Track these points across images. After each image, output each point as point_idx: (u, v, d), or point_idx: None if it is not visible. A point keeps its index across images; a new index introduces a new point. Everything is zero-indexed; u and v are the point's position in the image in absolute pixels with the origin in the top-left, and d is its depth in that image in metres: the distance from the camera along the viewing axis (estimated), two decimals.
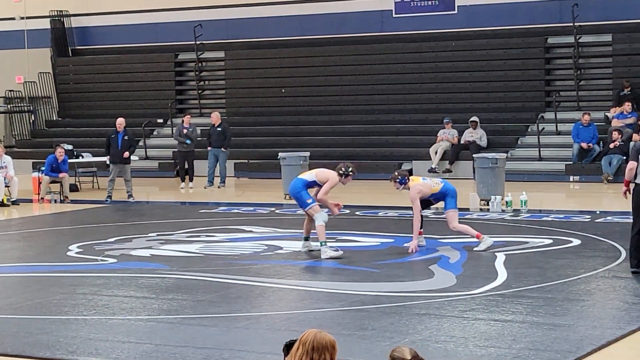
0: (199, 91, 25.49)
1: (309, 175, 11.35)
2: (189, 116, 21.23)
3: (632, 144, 18.88)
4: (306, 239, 11.55)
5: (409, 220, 11.91)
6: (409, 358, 4.12)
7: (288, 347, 4.28)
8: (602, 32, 21.69)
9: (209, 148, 20.37)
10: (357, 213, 15.28)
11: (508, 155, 19.22)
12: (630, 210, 9.84)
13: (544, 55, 22.31)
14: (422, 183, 11.53)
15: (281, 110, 24.23)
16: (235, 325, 8.18)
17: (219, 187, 20.15)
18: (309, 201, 11.13)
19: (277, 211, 15.84)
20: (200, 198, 18.81)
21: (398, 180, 11.38)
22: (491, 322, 8.07)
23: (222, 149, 20.21)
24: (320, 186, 11.25)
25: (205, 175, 20.66)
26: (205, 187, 20.13)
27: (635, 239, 9.67)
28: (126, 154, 17.96)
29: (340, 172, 11.27)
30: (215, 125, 20.36)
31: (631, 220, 9.85)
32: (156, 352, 7.37)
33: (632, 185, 9.72)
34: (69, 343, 7.69)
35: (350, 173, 11.33)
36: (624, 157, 19.17)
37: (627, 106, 20.09)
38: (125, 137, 18.13)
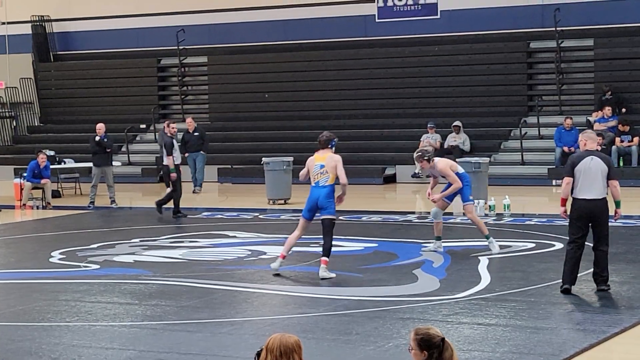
0: (182, 96, 25.43)
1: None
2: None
3: (614, 151, 19.10)
4: (438, 238, 11.61)
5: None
6: (441, 336, 4.34)
7: (259, 355, 4.29)
8: (584, 37, 21.81)
9: (186, 154, 20.32)
10: (340, 217, 15.27)
11: (491, 159, 19.28)
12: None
13: (526, 60, 22.42)
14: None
15: (264, 115, 24.22)
16: (219, 330, 8.16)
17: (194, 191, 19.95)
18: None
19: (260, 216, 15.82)
20: (184, 203, 18.72)
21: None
22: (475, 325, 8.10)
23: (202, 152, 20.27)
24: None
25: (188, 181, 20.59)
26: (194, 192, 20.07)
27: (573, 256, 9.12)
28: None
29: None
30: (191, 131, 20.39)
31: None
32: (140, 358, 7.34)
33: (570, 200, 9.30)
34: (51, 350, 7.65)
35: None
36: None
37: (607, 110, 20.22)
38: (105, 140, 18.19)
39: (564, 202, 9.35)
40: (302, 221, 10.45)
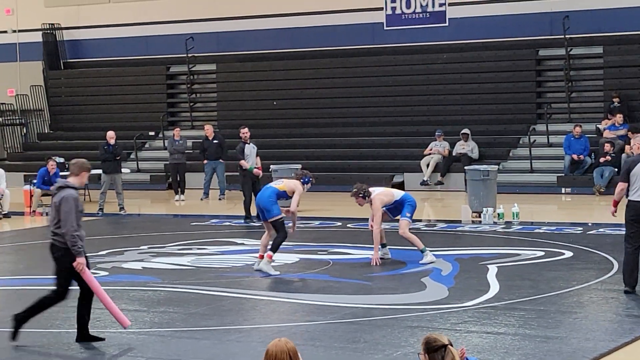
0: (191, 104, 25.49)
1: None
2: (178, 129, 21.32)
3: (624, 159, 19.04)
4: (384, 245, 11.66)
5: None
6: (447, 342, 4.53)
7: None
8: (593, 44, 21.78)
9: (205, 162, 20.39)
10: (348, 225, 15.27)
11: (499, 167, 19.24)
12: (623, 223, 9.77)
13: (535, 68, 22.38)
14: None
15: (273, 122, 24.24)
16: (227, 338, 8.16)
17: (219, 199, 20.16)
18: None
19: None
20: (192, 211, 18.79)
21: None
22: (483, 334, 8.07)
23: (221, 160, 20.29)
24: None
25: (196, 188, 20.67)
26: (201, 199, 20.16)
27: (631, 258, 9.46)
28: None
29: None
30: (210, 138, 20.40)
31: (623, 232, 9.83)
32: None
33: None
34: (60, 356, 7.65)
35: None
36: (616, 169, 19.21)
37: (619, 118, 20.16)
38: (116, 147, 18.32)
39: (615, 203, 9.72)
40: (265, 224, 11.21)
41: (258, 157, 16.61)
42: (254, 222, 15.64)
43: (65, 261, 7.92)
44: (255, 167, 16.26)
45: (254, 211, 15.89)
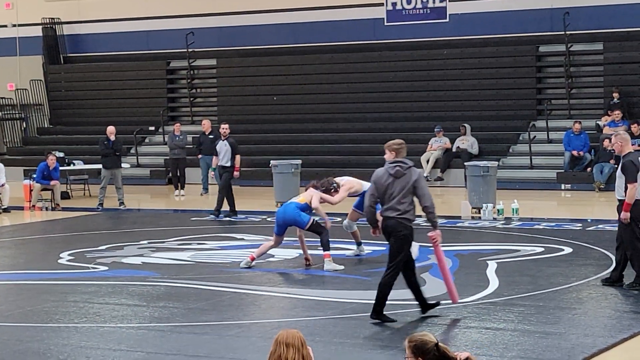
0: (191, 99, 25.48)
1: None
2: (178, 124, 21.33)
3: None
4: (359, 243, 11.89)
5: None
6: (435, 341, 4.39)
7: None
8: (593, 41, 21.77)
9: (199, 156, 20.39)
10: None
11: (499, 163, 19.25)
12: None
13: (535, 64, 22.37)
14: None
15: (273, 118, 24.25)
16: (226, 333, 8.17)
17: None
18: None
19: (268, 219, 15.82)
20: (192, 206, 18.80)
21: (332, 189, 11.37)
22: (483, 330, 8.08)
23: (214, 156, 20.25)
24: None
25: (196, 183, 20.66)
26: (201, 194, 20.16)
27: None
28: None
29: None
30: (207, 133, 20.39)
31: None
32: None
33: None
34: (59, 351, 7.68)
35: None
36: (615, 166, 19.21)
37: (617, 114, 20.16)
38: (116, 141, 18.36)
39: (628, 207, 9.29)
40: (275, 237, 11.17)
41: (238, 156, 16.32)
42: (217, 218, 15.76)
43: (408, 240, 8.30)
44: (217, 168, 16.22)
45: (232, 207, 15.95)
